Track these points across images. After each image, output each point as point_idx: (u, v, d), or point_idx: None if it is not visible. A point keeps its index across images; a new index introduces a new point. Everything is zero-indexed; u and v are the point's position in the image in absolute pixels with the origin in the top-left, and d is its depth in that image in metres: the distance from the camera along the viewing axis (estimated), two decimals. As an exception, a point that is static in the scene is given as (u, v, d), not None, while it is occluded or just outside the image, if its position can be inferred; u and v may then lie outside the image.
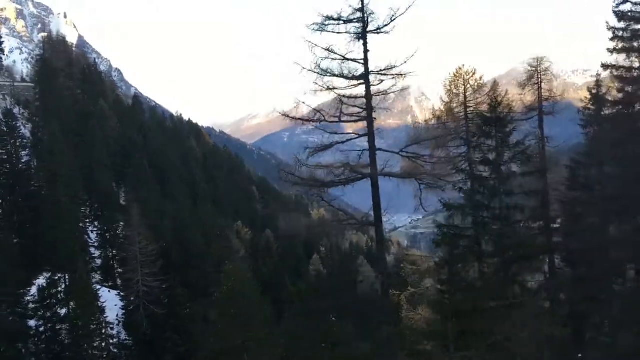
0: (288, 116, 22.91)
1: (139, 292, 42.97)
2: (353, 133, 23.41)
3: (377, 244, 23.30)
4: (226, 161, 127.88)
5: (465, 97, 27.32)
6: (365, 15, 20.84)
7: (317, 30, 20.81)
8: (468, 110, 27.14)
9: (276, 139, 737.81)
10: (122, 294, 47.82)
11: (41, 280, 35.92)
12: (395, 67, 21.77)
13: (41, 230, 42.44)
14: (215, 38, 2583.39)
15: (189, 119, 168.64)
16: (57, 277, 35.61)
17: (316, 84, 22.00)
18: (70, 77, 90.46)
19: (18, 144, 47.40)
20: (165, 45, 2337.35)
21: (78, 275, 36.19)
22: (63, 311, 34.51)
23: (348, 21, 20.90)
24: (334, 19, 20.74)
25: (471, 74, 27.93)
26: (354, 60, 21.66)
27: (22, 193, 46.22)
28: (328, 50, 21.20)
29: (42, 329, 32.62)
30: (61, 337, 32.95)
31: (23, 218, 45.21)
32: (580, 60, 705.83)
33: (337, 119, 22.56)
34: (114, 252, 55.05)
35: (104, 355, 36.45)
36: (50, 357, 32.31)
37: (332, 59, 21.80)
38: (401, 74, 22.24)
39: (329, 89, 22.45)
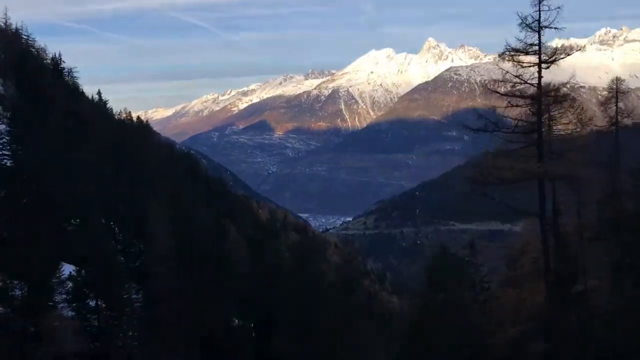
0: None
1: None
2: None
3: (543, 242, 24.07)
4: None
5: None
6: (542, 50, 24.55)
7: (503, 58, 25.17)
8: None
9: (205, 138, 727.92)
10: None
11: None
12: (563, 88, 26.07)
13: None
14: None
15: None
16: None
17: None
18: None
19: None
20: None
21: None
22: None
23: (528, 53, 24.61)
24: (518, 50, 24.54)
25: None
26: (529, 83, 24.95)
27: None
28: (517, 76, 24.98)
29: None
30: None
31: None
32: None
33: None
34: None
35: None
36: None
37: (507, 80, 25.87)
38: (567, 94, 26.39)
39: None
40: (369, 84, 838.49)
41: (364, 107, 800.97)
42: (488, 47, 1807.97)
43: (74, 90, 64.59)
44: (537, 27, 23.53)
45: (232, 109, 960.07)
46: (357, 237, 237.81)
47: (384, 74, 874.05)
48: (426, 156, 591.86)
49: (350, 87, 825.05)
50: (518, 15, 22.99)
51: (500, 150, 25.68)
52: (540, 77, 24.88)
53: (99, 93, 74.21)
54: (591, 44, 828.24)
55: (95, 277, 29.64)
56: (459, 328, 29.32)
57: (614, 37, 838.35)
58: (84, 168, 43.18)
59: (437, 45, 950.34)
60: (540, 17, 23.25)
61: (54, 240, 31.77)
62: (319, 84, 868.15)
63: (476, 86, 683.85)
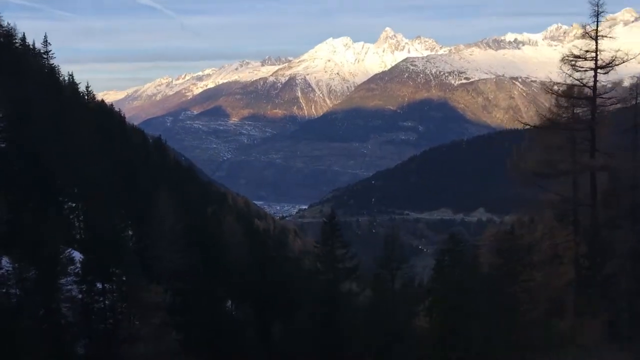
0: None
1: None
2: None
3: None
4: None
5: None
6: (598, 57, 27.17)
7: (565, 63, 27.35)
8: None
9: (159, 123, 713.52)
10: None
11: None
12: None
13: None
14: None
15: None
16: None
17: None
18: None
19: None
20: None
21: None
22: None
23: (586, 59, 27.23)
24: (579, 57, 27.21)
25: None
26: (586, 85, 27.26)
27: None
28: (578, 80, 27.20)
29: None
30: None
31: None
32: None
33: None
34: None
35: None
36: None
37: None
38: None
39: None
40: (326, 72, 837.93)
41: (321, 95, 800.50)
42: (443, 39, 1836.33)
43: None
44: (595, 36, 26.90)
45: (187, 93, 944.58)
46: (313, 225, 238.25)
47: (341, 62, 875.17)
48: (381, 146, 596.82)
49: (308, 75, 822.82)
50: (581, 25, 26.38)
51: (551, 145, 27.84)
52: (595, 81, 27.76)
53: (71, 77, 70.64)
54: (543, 39, 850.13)
55: (101, 259, 30.03)
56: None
57: (564, 33, 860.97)
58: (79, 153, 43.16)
59: (394, 36, 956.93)
60: (597, 27, 26.58)
61: (59, 224, 32.08)
62: (276, 71, 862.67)
63: (432, 77, 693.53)
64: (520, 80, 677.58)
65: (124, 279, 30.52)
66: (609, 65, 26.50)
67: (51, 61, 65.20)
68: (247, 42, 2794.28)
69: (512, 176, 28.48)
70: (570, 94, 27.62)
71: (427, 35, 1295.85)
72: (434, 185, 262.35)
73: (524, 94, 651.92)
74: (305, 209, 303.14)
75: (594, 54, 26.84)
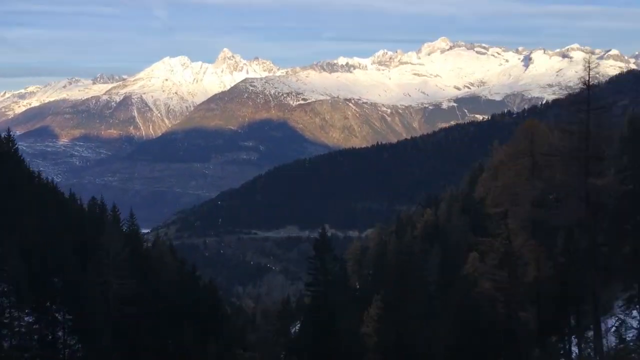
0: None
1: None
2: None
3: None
4: None
5: None
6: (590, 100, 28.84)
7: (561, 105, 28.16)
8: None
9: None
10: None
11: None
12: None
13: None
14: None
15: None
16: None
17: None
18: None
19: None
20: None
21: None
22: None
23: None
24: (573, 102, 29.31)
25: None
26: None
27: None
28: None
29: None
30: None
31: None
32: None
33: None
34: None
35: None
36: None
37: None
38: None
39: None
40: (163, 91, 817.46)
41: (159, 115, 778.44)
42: (280, 61, 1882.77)
43: None
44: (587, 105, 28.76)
45: (7, 112, 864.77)
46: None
47: (180, 82, 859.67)
48: (223, 166, 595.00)
49: (144, 94, 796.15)
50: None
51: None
52: (589, 120, 29.21)
53: None
54: (372, 64, 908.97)
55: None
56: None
57: (390, 58, 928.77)
58: None
59: (233, 56, 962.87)
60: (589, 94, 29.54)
61: None
62: (110, 89, 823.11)
63: (271, 98, 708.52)
64: (353, 101, 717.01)
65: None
66: (599, 108, 29.49)
67: None
68: (75, 58, 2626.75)
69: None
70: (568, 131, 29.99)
71: (265, 56, 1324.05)
72: (279, 203, 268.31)
73: (357, 115, 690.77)
74: (147, 232, 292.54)
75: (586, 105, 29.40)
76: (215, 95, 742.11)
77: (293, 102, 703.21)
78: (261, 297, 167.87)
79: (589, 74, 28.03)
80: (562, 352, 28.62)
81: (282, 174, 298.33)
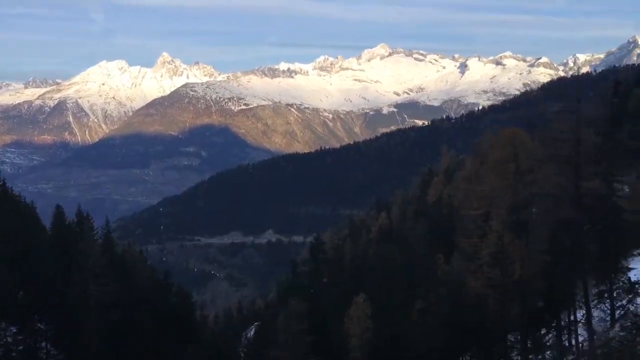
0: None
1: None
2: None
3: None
4: None
5: None
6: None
7: None
8: None
9: None
10: None
11: None
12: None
13: None
14: None
15: None
16: None
17: None
18: None
19: None
20: None
21: None
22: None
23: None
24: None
25: None
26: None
27: None
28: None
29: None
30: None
31: None
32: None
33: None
34: None
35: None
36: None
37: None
38: None
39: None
40: (100, 96, 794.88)
41: (96, 120, 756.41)
42: (221, 65, 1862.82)
43: None
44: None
45: None
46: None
47: (117, 86, 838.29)
48: (163, 172, 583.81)
49: (80, 98, 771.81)
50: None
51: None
52: (579, 129, 29.92)
53: None
54: (313, 69, 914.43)
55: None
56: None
57: (331, 64, 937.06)
58: None
59: (172, 61, 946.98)
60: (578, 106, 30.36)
61: None
62: (43, 94, 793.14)
63: (212, 103, 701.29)
64: (295, 107, 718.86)
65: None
66: None
67: None
68: (5, 62, 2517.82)
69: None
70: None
71: (206, 61, 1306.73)
72: (222, 209, 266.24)
73: (300, 120, 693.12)
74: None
75: None
76: (155, 100, 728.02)
77: (235, 107, 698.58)
78: (206, 305, 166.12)
79: (576, 87, 29.88)
80: (548, 343, 30.29)
81: (225, 179, 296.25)
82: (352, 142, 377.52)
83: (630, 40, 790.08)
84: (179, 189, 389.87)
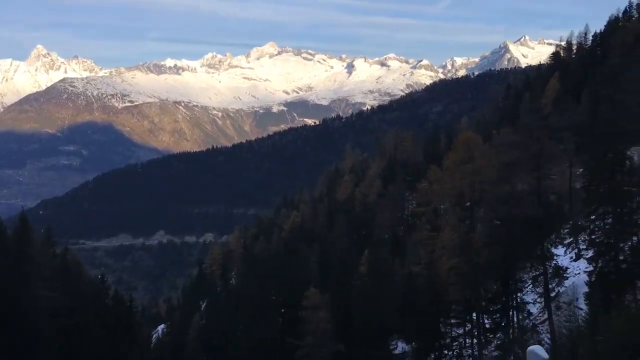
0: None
1: None
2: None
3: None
4: None
5: None
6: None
7: None
8: None
9: None
10: None
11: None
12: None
13: None
14: None
15: None
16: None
17: None
18: None
19: None
20: None
21: None
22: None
23: None
24: None
25: None
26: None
27: None
28: None
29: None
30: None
31: None
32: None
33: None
34: None
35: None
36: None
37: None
38: None
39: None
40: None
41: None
42: (103, 61, 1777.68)
43: None
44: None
45: None
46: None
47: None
48: (40, 172, 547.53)
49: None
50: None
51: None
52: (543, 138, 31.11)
53: None
54: (201, 67, 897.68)
55: None
56: None
57: (219, 62, 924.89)
58: None
59: (48, 54, 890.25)
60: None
61: None
62: None
63: (94, 99, 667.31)
64: (183, 104, 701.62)
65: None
66: None
67: None
68: None
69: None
70: None
71: (85, 55, 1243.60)
72: (110, 211, 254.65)
73: (188, 118, 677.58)
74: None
75: None
76: (30, 95, 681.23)
77: (119, 104, 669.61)
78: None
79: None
80: (504, 323, 32.39)
81: (112, 179, 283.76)
82: (242, 141, 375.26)
83: (502, 45, 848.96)
84: (58, 190, 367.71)
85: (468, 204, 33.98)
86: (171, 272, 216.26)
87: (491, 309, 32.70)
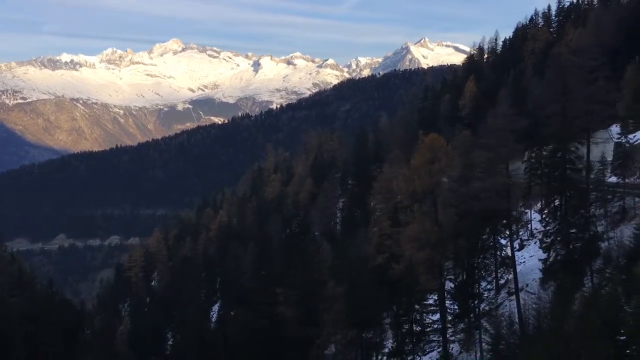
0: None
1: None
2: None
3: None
4: None
5: None
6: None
7: None
8: None
9: None
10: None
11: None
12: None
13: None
14: None
15: None
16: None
17: None
18: None
19: None
20: None
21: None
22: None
23: None
24: None
25: None
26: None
27: None
28: None
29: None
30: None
31: None
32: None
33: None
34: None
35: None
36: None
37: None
38: None
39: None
40: None
41: None
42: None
43: None
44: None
45: None
46: None
47: None
48: None
49: None
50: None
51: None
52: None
53: None
54: (100, 62, 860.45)
55: None
56: None
57: (120, 57, 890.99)
58: None
59: None
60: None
61: None
62: None
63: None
64: (81, 101, 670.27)
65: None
66: None
67: None
68: None
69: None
70: None
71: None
72: (5, 214, 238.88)
73: (87, 116, 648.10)
74: None
75: None
76: None
77: (10, 101, 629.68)
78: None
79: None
80: (468, 309, 34.25)
81: (5, 181, 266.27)
82: (146, 140, 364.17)
83: (404, 46, 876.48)
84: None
85: (433, 200, 36.48)
86: (74, 277, 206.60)
87: (457, 297, 35.14)
